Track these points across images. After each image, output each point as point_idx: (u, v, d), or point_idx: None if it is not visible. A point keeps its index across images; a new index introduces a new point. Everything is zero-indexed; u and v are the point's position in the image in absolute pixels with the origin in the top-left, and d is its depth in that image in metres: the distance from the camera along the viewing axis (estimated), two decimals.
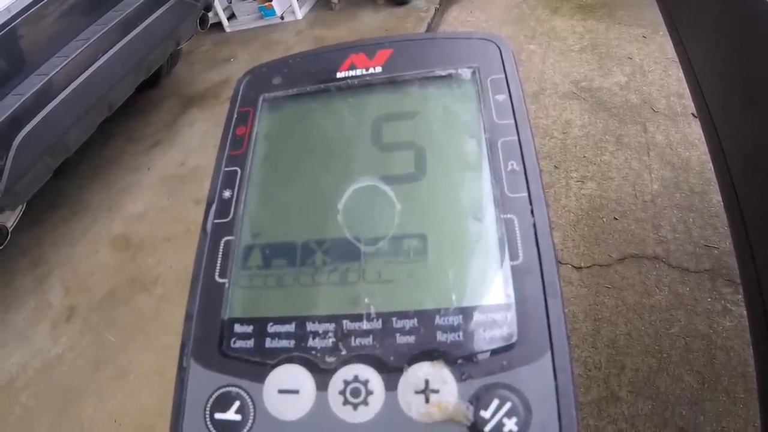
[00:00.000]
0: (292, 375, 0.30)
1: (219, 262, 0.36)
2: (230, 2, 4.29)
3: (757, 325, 0.72)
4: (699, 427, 1.33)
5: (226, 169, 0.40)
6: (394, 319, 0.30)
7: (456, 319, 0.29)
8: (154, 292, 2.23)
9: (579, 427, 0.26)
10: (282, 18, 4.15)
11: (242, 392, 0.30)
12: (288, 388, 0.30)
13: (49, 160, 2.25)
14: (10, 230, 2.29)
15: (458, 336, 0.29)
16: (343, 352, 0.30)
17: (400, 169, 0.36)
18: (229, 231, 0.37)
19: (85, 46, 2.30)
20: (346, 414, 0.28)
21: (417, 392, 0.28)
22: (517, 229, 0.32)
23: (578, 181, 2.07)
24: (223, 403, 0.30)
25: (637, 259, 1.74)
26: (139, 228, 2.59)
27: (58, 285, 2.41)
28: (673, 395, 1.40)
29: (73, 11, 2.37)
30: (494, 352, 0.28)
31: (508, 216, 0.32)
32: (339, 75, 0.42)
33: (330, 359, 0.30)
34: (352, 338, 0.30)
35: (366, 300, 0.31)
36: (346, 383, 0.29)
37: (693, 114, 2.18)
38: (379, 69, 0.42)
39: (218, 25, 4.30)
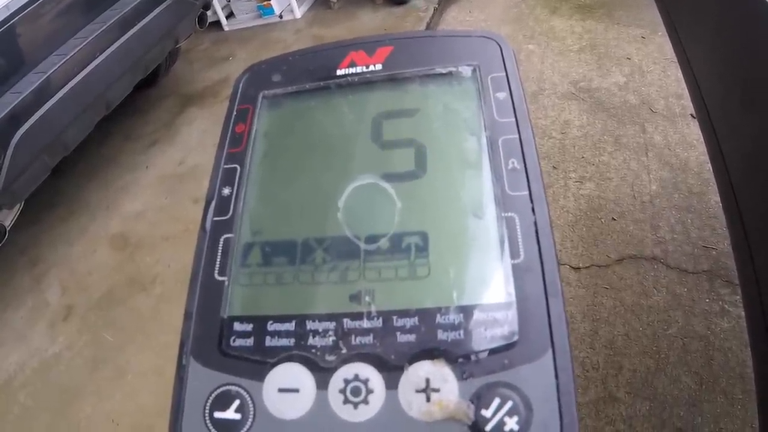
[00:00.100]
0: (292, 374, 0.30)
1: (218, 259, 0.35)
2: (229, 1, 4.29)
3: (755, 326, 0.72)
4: (697, 428, 1.33)
5: (226, 166, 0.40)
6: (394, 317, 0.30)
7: (457, 318, 0.29)
8: (153, 292, 2.23)
9: (580, 426, 0.26)
10: (281, 17, 4.15)
11: (242, 391, 0.30)
12: (288, 387, 0.30)
13: (47, 159, 2.24)
14: (7, 229, 2.29)
15: (459, 334, 0.29)
16: (344, 351, 0.30)
17: (400, 166, 0.36)
18: (228, 228, 0.36)
19: (84, 44, 2.30)
20: (347, 413, 0.28)
21: (418, 391, 0.28)
22: (518, 227, 0.32)
23: (577, 182, 2.07)
24: (222, 401, 0.30)
25: (635, 259, 1.74)
26: (138, 227, 2.58)
27: (56, 284, 2.41)
28: (671, 396, 1.40)
29: (71, 9, 2.37)
30: (495, 350, 0.28)
31: (509, 214, 0.32)
32: (339, 72, 0.42)
33: (330, 358, 0.30)
34: (353, 337, 0.30)
35: (366, 298, 0.31)
36: (347, 382, 0.29)
37: (691, 115, 2.18)
38: (379, 66, 0.42)
39: (217, 24, 4.29)
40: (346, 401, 0.29)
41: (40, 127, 2.11)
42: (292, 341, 0.31)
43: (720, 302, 1.56)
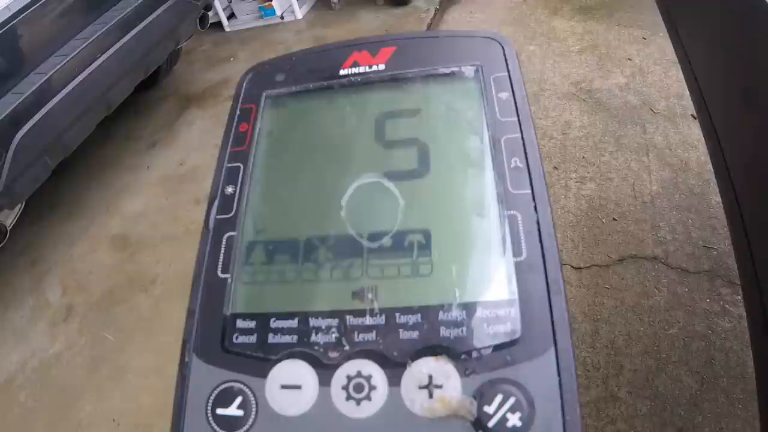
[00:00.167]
0: (294, 370, 0.30)
1: (221, 257, 0.36)
2: (230, 2, 4.29)
3: (756, 325, 0.72)
4: (697, 427, 1.33)
5: (229, 165, 0.40)
6: (397, 314, 0.30)
7: (459, 315, 0.29)
8: (153, 292, 2.23)
9: (583, 422, 0.26)
10: (282, 18, 4.14)
11: (244, 388, 0.30)
12: (290, 384, 0.30)
13: (47, 159, 2.24)
14: (8, 229, 2.29)
15: (462, 331, 0.29)
16: (346, 348, 0.30)
17: (403, 165, 0.36)
18: (231, 227, 0.37)
19: (85, 45, 2.30)
20: (349, 409, 0.28)
21: (420, 387, 0.28)
22: (520, 225, 0.32)
23: (577, 182, 2.07)
24: (225, 398, 0.30)
25: (636, 259, 1.74)
26: (138, 227, 2.58)
27: (57, 284, 2.41)
28: (671, 396, 1.40)
29: (72, 10, 2.37)
30: (498, 347, 0.28)
31: (512, 212, 0.32)
32: (342, 72, 0.42)
33: (333, 355, 0.30)
34: (355, 334, 0.30)
35: (369, 296, 0.31)
36: (349, 379, 0.29)
37: (692, 115, 2.18)
38: (382, 66, 0.42)
39: (218, 25, 4.29)
40: (348, 398, 0.29)
41: (41, 128, 2.11)
42: (294, 338, 0.31)
43: (721, 302, 1.56)
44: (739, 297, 1.54)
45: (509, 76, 0.39)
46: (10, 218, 2.36)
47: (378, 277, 0.32)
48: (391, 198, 0.35)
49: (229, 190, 0.38)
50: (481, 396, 0.27)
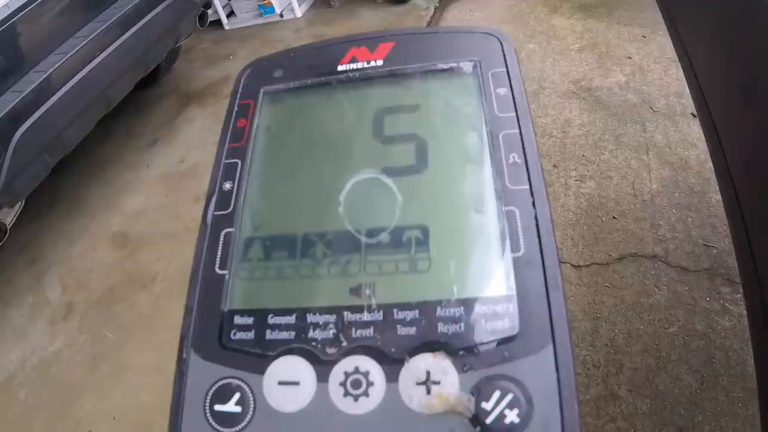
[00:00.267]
0: (292, 367, 0.30)
1: (219, 253, 0.35)
2: (229, 0, 4.29)
3: (756, 323, 0.72)
4: (697, 426, 1.33)
5: (227, 161, 0.40)
6: (395, 310, 0.30)
7: (457, 311, 0.29)
8: (153, 290, 2.23)
9: (581, 419, 0.26)
10: (281, 16, 4.14)
11: (242, 384, 0.30)
12: (288, 380, 0.30)
13: (47, 157, 2.24)
14: (8, 227, 2.28)
15: (459, 327, 0.29)
16: (344, 344, 0.30)
17: (401, 161, 0.36)
18: (229, 223, 0.37)
19: (84, 43, 2.29)
20: (347, 405, 0.28)
21: (418, 384, 0.28)
22: (518, 221, 0.32)
23: (577, 180, 2.07)
24: (222, 394, 0.30)
25: (635, 258, 1.74)
26: (138, 225, 2.58)
27: (57, 282, 2.41)
28: (671, 394, 1.40)
29: (71, 8, 2.36)
30: (495, 343, 0.28)
31: (510, 208, 0.32)
32: (340, 68, 0.42)
33: (331, 351, 0.30)
34: (353, 330, 0.30)
35: (367, 291, 0.31)
36: (347, 375, 0.29)
37: (692, 113, 2.18)
38: (380, 62, 0.42)
39: (217, 23, 4.29)
40: (346, 394, 0.29)
41: (40, 126, 2.10)
42: (292, 334, 0.31)
43: (721, 300, 1.56)
44: (739, 295, 1.54)
45: (507, 71, 0.39)
46: (9, 216, 2.35)
47: (376, 273, 0.32)
48: (389, 194, 0.35)
49: (227, 186, 0.38)
50: (479, 392, 0.27)
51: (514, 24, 3.19)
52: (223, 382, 0.31)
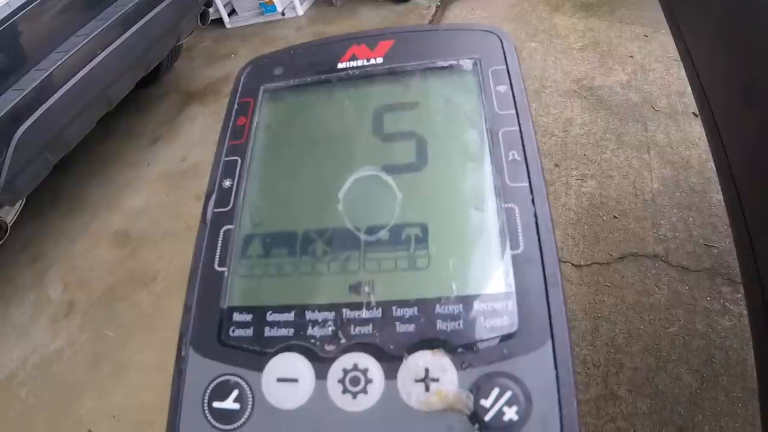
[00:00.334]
0: (291, 364, 0.30)
1: (218, 251, 0.35)
2: None
3: (757, 322, 0.72)
4: (697, 426, 1.33)
5: (226, 158, 0.40)
6: (394, 307, 0.30)
7: (456, 308, 0.29)
8: (154, 288, 2.23)
9: (580, 417, 0.26)
10: (283, 14, 4.14)
11: (241, 381, 0.30)
12: (287, 377, 0.30)
13: (48, 156, 2.24)
14: (9, 226, 2.29)
15: (458, 325, 0.29)
16: (343, 341, 0.30)
17: (401, 159, 0.36)
18: (228, 220, 0.37)
19: (85, 41, 2.29)
20: (345, 402, 0.28)
21: (417, 381, 0.28)
22: (518, 218, 0.32)
23: (578, 180, 2.06)
24: (221, 391, 0.30)
25: (636, 257, 1.74)
26: (139, 224, 2.58)
27: (58, 280, 2.41)
28: (671, 394, 1.40)
29: (73, 6, 2.36)
30: (494, 340, 0.28)
31: (509, 205, 0.32)
32: (340, 66, 0.42)
33: (329, 348, 0.30)
34: (352, 327, 0.30)
35: (366, 289, 0.31)
36: (346, 372, 0.29)
37: (694, 113, 2.17)
38: (380, 60, 0.42)
39: (219, 21, 4.29)
40: (345, 391, 0.29)
41: (42, 124, 2.11)
42: (291, 331, 0.31)
43: (721, 300, 1.56)
44: (740, 295, 1.54)
45: (507, 69, 0.39)
46: (11, 215, 2.36)
47: (375, 270, 0.32)
48: (388, 191, 0.35)
49: (227, 183, 0.38)
50: (478, 389, 0.27)
51: (516, 23, 3.18)
52: (222, 379, 0.31)
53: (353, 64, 0.42)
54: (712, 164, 0.90)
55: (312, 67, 0.43)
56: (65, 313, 2.25)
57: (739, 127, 0.78)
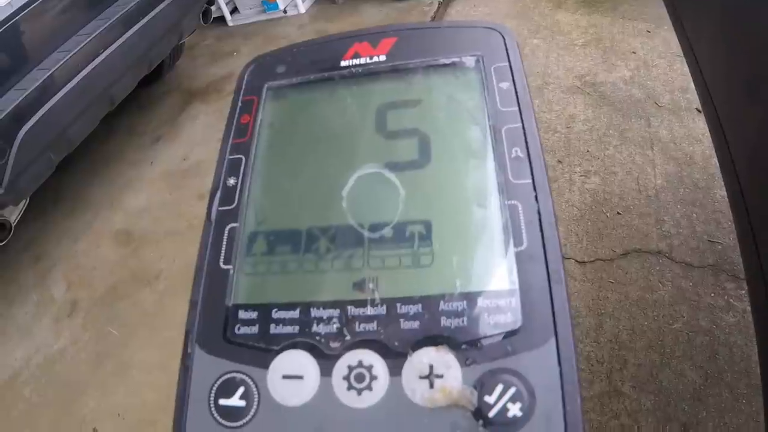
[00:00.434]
0: (296, 361, 0.30)
1: (224, 248, 0.36)
2: None
3: (761, 318, 0.72)
4: (701, 422, 1.33)
5: (231, 156, 0.40)
6: (398, 304, 0.30)
7: (460, 305, 0.29)
8: (157, 287, 2.23)
9: (583, 413, 0.26)
10: (285, 12, 4.14)
11: (246, 378, 0.30)
12: (292, 374, 0.30)
13: (51, 155, 2.25)
14: (13, 225, 2.29)
15: (462, 321, 0.29)
16: (348, 338, 0.30)
17: (404, 156, 0.36)
18: (233, 218, 0.37)
19: (88, 40, 2.30)
20: (350, 399, 0.28)
21: (421, 377, 0.28)
22: (521, 215, 0.32)
23: (582, 176, 2.06)
24: (227, 389, 0.30)
25: (640, 254, 1.74)
26: (142, 223, 2.59)
27: (61, 280, 2.42)
28: (675, 390, 1.40)
29: (75, 6, 2.37)
30: (498, 337, 0.28)
31: (513, 202, 0.32)
32: (343, 64, 0.42)
33: (334, 345, 0.30)
34: (357, 324, 0.30)
35: (370, 286, 0.31)
36: (351, 369, 0.29)
37: (697, 109, 2.17)
38: (383, 57, 0.42)
39: (221, 19, 4.29)
40: (350, 388, 0.29)
41: (44, 124, 2.11)
42: (296, 328, 0.31)
43: (725, 297, 1.56)
44: (744, 291, 1.54)
45: (510, 66, 0.39)
46: (14, 214, 2.36)
47: (379, 268, 0.32)
48: (392, 188, 0.35)
49: (231, 181, 0.39)
50: (482, 386, 0.27)
51: (518, 19, 3.18)
52: (228, 376, 0.31)
53: (356, 61, 0.42)
54: (715, 160, 0.90)
55: (315, 64, 0.43)
56: (68, 312, 2.25)
57: (742, 123, 0.78)
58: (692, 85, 1.00)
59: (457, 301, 0.29)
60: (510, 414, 0.26)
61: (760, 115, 0.71)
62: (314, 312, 0.31)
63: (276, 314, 0.32)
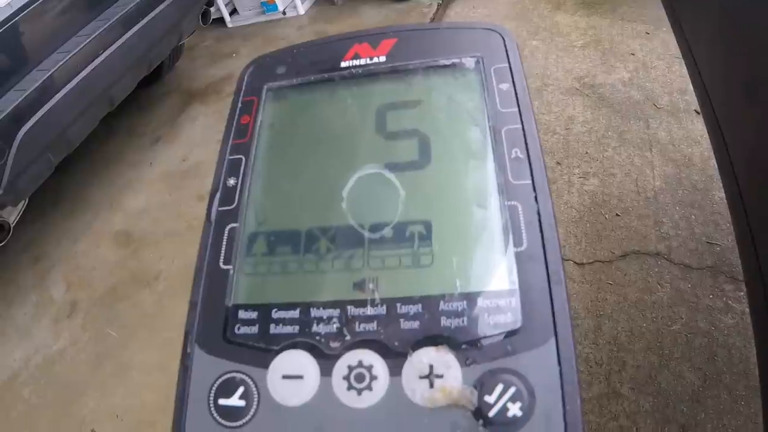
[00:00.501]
0: (296, 361, 0.30)
1: (223, 249, 0.36)
2: None
3: (759, 320, 0.72)
4: (700, 424, 1.33)
5: (231, 157, 0.40)
6: (398, 304, 0.30)
7: (460, 305, 0.29)
8: (156, 288, 2.23)
9: (583, 413, 0.26)
10: (284, 13, 4.14)
11: (246, 378, 0.30)
12: (292, 374, 0.30)
13: (51, 156, 2.25)
14: (12, 226, 2.29)
15: (462, 321, 0.29)
16: (348, 338, 0.30)
17: (404, 156, 0.36)
18: (233, 218, 0.37)
19: (87, 41, 2.30)
20: (350, 399, 0.29)
21: (421, 377, 0.28)
22: (521, 216, 0.32)
23: (580, 178, 2.06)
24: (227, 389, 0.30)
25: (639, 255, 1.74)
26: (141, 223, 2.59)
27: (60, 280, 2.42)
28: (674, 392, 1.40)
29: (74, 7, 2.37)
30: (498, 337, 0.28)
31: (512, 203, 0.32)
32: (343, 64, 0.42)
33: (334, 345, 0.30)
34: (357, 324, 0.30)
35: (370, 286, 0.31)
36: (351, 368, 0.29)
37: (696, 111, 2.17)
38: (383, 58, 0.42)
39: (220, 21, 4.29)
40: (349, 387, 0.29)
41: (43, 124, 2.11)
42: (296, 328, 0.31)
43: (724, 298, 1.56)
44: (742, 293, 1.54)
45: (510, 67, 0.39)
46: (13, 215, 2.36)
47: (379, 268, 0.32)
48: (392, 189, 0.35)
49: (231, 182, 0.39)
50: (482, 386, 0.27)
51: (518, 21, 3.18)
52: (228, 376, 0.31)
53: (356, 62, 0.42)
54: (714, 162, 0.90)
55: (315, 65, 0.43)
56: (68, 313, 2.25)
57: (740, 125, 0.78)
58: (691, 87, 1.00)
59: (457, 301, 0.29)
60: (510, 414, 0.26)
61: (758, 116, 0.71)
62: (314, 312, 0.31)
63: (276, 314, 0.32)
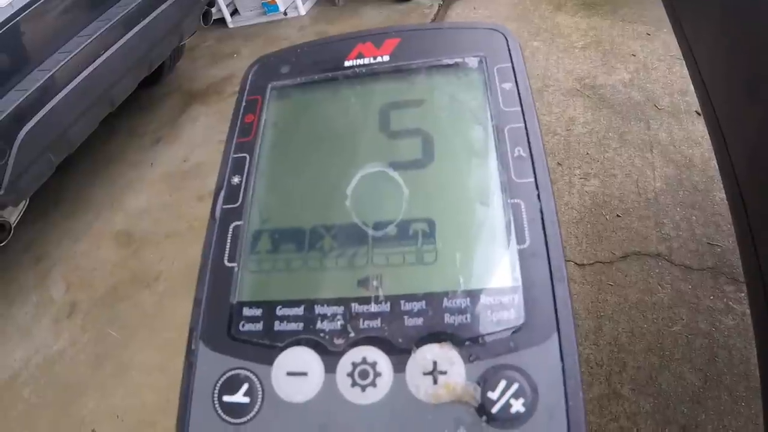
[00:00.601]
0: (300, 357, 0.30)
1: (228, 246, 0.36)
2: None
3: (760, 321, 0.72)
4: (700, 425, 1.33)
5: (235, 155, 0.40)
6: (402, 301, 0.30)
7: (464, 302, 0.30)
8: (156, 289, 2.23)
9: (586, 408, 0.26)
10: (285, 14, 4.15)
11: (251, 375, 0.31)
12: (296, 371, 0.30)
13: (51, 156, 2.25)
14: (12, 226, 2.29)
15: (466, 318, 0.29)
16: (352, 335, 0.30)
17: (407, 155, 0.37)
18: (238, 216, 0.37)
19: (88, 42, 2.30)
20: (354, 396, 0.29)
21: (425, 374, 0.28)
22: (524, 213, 0.32)
23: (581, 178, 2.06)
24: (231, 385, 0.31)
25: (639, 256, 1.74)
26: (142, 224, 2.59)
27: (60, 281, 2.42)
28: (674, 393, 1.40)
29: (75, 7, 2.37)
30: (501, 334, 0.28)
31: (515, 201, 0.32)
32: (347, 64, 0.43)
33: (338, 341, 0.30)
34: (361, 321, 0.30)
35: (374, 283, 0.31)
36: (355, 365, 0.29)
37: (696, 111, 2.17)
38: (386, 58, 0.42)
39: (221, 21, 4.29)
40: (354, 384, 0.29)
41: (44, 125, 2.11)
42: (300, 325, 0.31)
43: (724, 299, 1.56)
44: (743, 294, 1.54)
45: (512, 66, 0.39)
46: (14, 215, 2.36)
47: (383, 265, 0.32)
48: (395, 187, 0.35)
49: (236, 180, 0.39)
50: (485, 382, 0.27)
51: (518, 22, 3.18)
52: (232, 373, 0.31)
53: (360, 62, 0.42)
54: (714, 163, 0.90)
55: (319, 65, 0.43)
56: (68, 313, 2.25)
57: (741, 124, 0.78)
58: (691, 88, 1.01)
59: (461, 298, 0.30)
60: (513, 410, 0.26)
61: (759, 115, 0.71)
62: (318, 309, 0.31)
63: (280, 311, 0.32)
